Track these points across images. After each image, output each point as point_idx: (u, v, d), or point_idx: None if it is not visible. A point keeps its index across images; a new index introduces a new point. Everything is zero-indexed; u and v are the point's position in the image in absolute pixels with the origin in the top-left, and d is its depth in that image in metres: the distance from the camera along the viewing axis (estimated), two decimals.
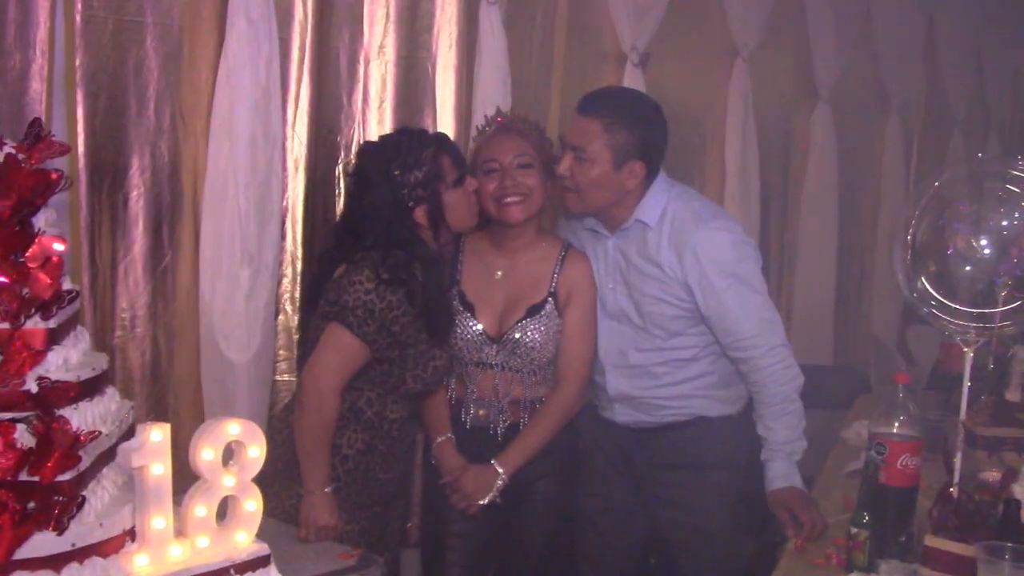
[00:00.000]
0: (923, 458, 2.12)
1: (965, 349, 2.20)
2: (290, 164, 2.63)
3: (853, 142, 5.05)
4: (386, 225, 2.28)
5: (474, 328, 2.45)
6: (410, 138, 2.36)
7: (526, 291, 2.47)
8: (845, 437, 3.03)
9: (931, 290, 2.18)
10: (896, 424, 2.08)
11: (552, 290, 2.46)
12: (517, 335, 2.43)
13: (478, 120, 2.72)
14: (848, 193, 5.05)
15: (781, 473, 2.41)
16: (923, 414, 2.31)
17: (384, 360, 2.28)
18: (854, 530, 2.01)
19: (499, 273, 2.50)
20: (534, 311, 2.45)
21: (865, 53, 5.00)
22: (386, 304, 2.22)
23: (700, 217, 2.44)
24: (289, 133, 2.61)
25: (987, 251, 2.15)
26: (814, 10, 4.56)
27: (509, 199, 2.42)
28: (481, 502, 2.44)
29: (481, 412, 2.48)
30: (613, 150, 2.37)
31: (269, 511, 1.73)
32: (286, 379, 2.67)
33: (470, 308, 2.47)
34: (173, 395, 2.44)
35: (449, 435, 2.50)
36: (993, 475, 2.27)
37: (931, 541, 1.98)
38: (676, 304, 2.44)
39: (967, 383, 2.19)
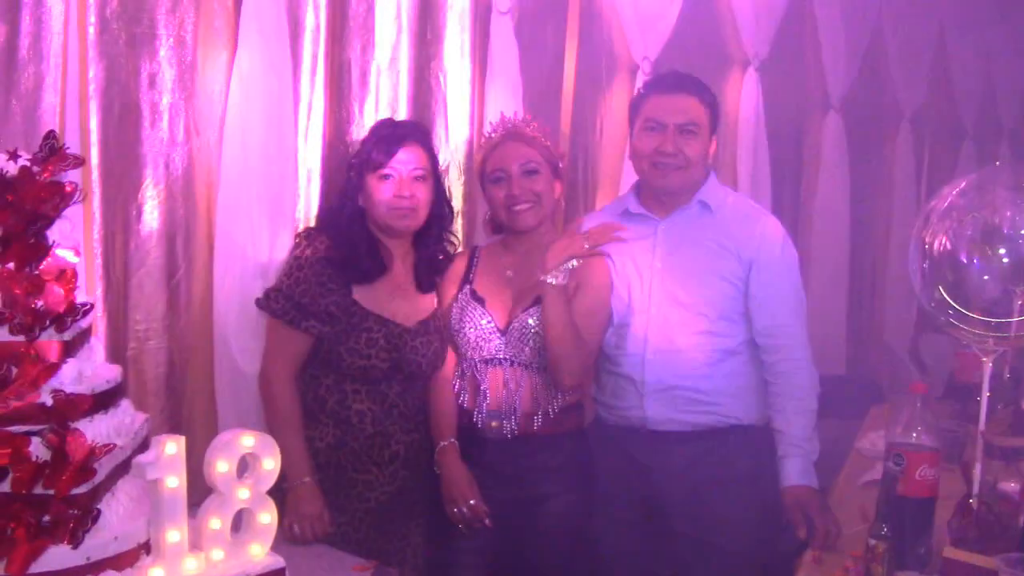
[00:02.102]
0: (941, 469, 2.10)
1: (983, 359, 2.18)
2: (302, 175, 2.63)
3: (864, 152, 5.04)
4: (340, 191, 2.48)
5: (483, 319, 2.45)
6: (399, 122, 2.55)
7: (536, 284, 2.46)
8: (860, 447, 3.01)
9: (948, 299, 2.16)
10: (914, 434, 2.06)
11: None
12: (528, 320, 2.41)
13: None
14: (860, 203, 5.04)
15: (799, 470, 2.40)
16: (939, 424, 2.30)
17: (322, 339, 2.33)
18: (872, 542, 1.99)
19: (510, 272, 2.51)
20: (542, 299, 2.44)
21: (876, 63, 5.00)
22: (293, 280, 2.33)
23: (761, 210, 2.73)
24: (301, 144, 2.61)
25: (1005, 260, 2.14)
26: (825, 20, 4.55)
27: (519, 206, 2.44)
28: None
29: (493, 424, 2.45)
30: (709, 124, 2.53)
31: None
32: None
33: (480, 301, 2.47)
34: (187, 407, 2.44)
35: (452, 440, 2.48)
36: (1012, 486, 2.25)
37: (950, 553, 1.96)
38: (730, 281, 2.50)
39: (986, 393, 2.17)
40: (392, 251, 2.45)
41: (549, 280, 2.32)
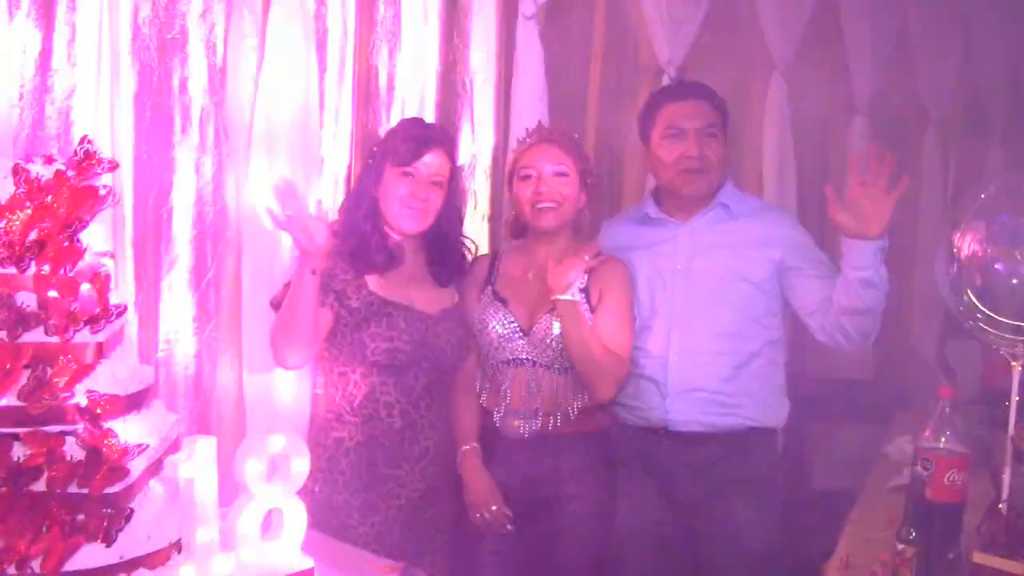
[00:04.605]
0: (970, 474, 2.08)
1: (1013, 363, 2.16)
2: (329, 179, 2.65)
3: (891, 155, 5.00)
4: (359, 180, 2.52)
5: (507, 319, 2.46)
6: (429, 125, 2.54)
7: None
8: (887, 452, 2.99)
9: (977, 303, 2.15)
10: (943, 439, 2.04)
11: (583, 287, 2.46)
12: (552, 322, 2.41)
13: (516, 135, 2.74)
14: None
15: None
16: (968, 429, 2.28)
17: (339, 322, 2.34)
18: (900, 547, 1.98)
19: (531, 274, 2.52)
20: None
21: (902, 65, 4.96)
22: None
23: (770, 205, 2.92)
24: (329, 148, 2.63)
25: None
26: (851, 23, 4.53)
27: (542, 205, 2.46)
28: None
29: (514, 423, 2.46)
30: (725, 129, 2.59)
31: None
32: None
33: (503, 302, 2.49)
34: (216, 408, 2.46)
35: (474, 444, 2.49)
36: None
37: (980, 558, 1.95)
38: (753, 282, 2.52)
39: (1015, 398, 2.15)
40: (403, 245, 2.46)
41: (563, 298, 2.36)
